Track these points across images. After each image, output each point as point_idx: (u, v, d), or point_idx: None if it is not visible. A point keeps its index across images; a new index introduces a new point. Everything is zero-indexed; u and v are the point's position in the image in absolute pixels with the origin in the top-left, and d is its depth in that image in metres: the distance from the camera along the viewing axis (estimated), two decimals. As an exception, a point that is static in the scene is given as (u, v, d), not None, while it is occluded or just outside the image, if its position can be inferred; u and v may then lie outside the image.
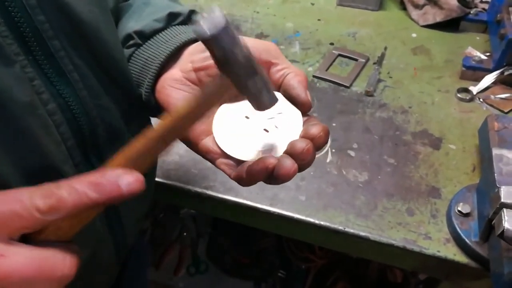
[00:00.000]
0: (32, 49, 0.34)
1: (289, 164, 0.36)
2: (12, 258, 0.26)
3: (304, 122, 0.40)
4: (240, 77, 0.34)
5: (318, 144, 0.38)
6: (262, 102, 0.36)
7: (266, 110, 0.37)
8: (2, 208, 0.26)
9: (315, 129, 0.38)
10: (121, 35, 0.47)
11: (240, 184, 0.39)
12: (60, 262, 0.28)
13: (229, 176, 0.40)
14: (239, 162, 0.39)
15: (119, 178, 0.28)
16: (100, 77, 0.40)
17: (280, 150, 0.38)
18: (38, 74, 0.34)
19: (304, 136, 0.38)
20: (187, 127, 0.34)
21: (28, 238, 0.28)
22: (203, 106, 0.34)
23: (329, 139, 0.74)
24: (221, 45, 0.31)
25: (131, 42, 0.47)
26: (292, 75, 0.41)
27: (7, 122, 0.32)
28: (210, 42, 0.32)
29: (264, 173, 0.36)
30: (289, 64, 0.42)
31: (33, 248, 0.27)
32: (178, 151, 0.73)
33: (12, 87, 0.31)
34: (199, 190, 0.68)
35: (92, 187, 0.28)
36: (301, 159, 0.36)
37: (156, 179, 0.69)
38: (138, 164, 0.32)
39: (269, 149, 0.39)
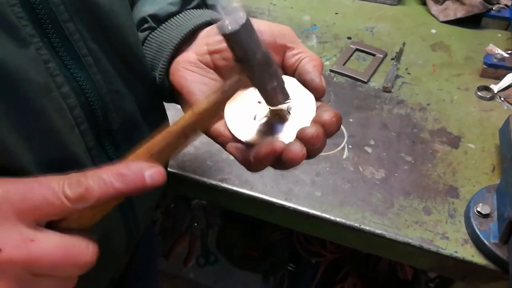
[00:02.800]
0: (47, 31, 0.34)
1: (298, 148, 0.35)
2: (42, 243, 0.27)
3: (317, 108, 0.39)
4: (258, 74, 0.34)
5: (329, 131, 0.37)
6: (275, 99, 0.37)
7: None
8: (34, 194, 0.27)
9: (327, 115, 0.37)
10: (136, 18, 0.47)
11: (248, 169, 0.39)
12: (84, 249, 0.28)
13: (238, 159, 0.40)
14: (250, 148, 0.39)
15: (143, 170, 0.29)
16: (115, 62, 0.40)
17: (292, 136, 0.38)
18: (53, 56, 0.34)
19: (316, 121, 0.38)
20: (206, 122, 0.35)
21: (51, 225, 0.29)
22: (222, 103, 0.35)
23: (345, 135, 0.74)
24: (241, 41, 0.32)
25: (146, 25, 0.46)
26: (308, 59, 0.41)
27: (22, 103, 0.32)
28: (231, 38, 0.32)
29: (271, 156, 0.36)
30: (305, 49, 0.42)
31: (60, 234, 0.28)
32: (194, 142, 0.73)
33: (27, 69, 0.31)
34: (214, 182, 0.68)
35: (118, 178, 0.28)
36: (311, 144, 0.36)
37: (171, 170, 0.69)
38: (159, 157, 0.32)
39: (281, 134, 0.39)
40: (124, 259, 0.54)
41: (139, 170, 0.29)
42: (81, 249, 0.28)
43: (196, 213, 1.42)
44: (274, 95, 0.36)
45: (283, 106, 0.40)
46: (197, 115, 0.34)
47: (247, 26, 0.32)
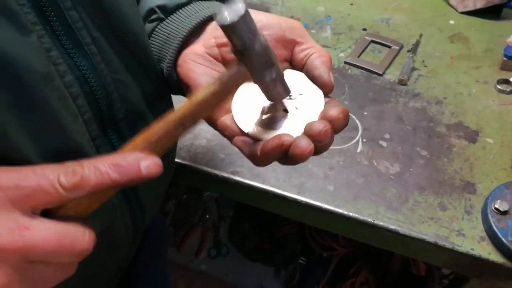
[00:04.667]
0: (50, 19, 0.34)
1: (305, 144, 0.35)
2: (36, 231, 0.27)
3: (325, 104, 0.39)
4: (256, 66, 0.35)
5: (337, 127, 0.37)
6: (274, 91, 0.37)
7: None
8: (29, 182, 0.27)
9: (334, 111, 0.37)
10: (144, 9, 0.46)
11: (255, 163, 0.39)
12: (80, 236, 0.29)
13: (244, 153, 0.39)
14: (256, 142, 0.39)
15: (139, 161, 0.29)
16: (119, 51, 0.40)
17: (298, 131, 0.37)
18: (55, 45, 0.34)
19: (323, 117, 0.37)
20: (205, 113, 0.35)
21: (48, 213, 0.29)
22: (221, 93, 0.35)
23: (360, 128, 0.73)
24: (240, 33, 0.33)
25: (154, 16, 0.46)
26: (316, 55, 0.40)
27: (23, 93, 0.31)
28: (229, 29, 0.33)
29: (278, 151, 0.36)
30: (314, 44, 0.41)
31: (55, 222, 0.28)
32: (205, 135, 0.73)
33: (28, 57, 0.31)
34: (225, 175, 0.67)
35: (114, 168, 0.29)
36: (318, 140, 0.35)
37: (183, 162, 0.69)
38: (157, 147, 0.33)
39: (288, 129, 0.38)
40: (131, 248, 0.54)
41: (135, 160, 0.29)
42: (77, 236, 0.28)
43: (208, 204, 1.42)
44: (273, 86, 0.36)
45: (289, 102, 0.40)
46: (195, 105, 0.34)
47: (245, 17, 0.32)
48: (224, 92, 0.35)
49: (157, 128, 0.33)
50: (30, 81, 0.31)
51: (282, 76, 0.37)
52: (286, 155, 0.36)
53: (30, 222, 0.27)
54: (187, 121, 0.34)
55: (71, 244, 0.28)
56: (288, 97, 0.40)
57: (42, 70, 0.32)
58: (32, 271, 0.27)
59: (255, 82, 0.37)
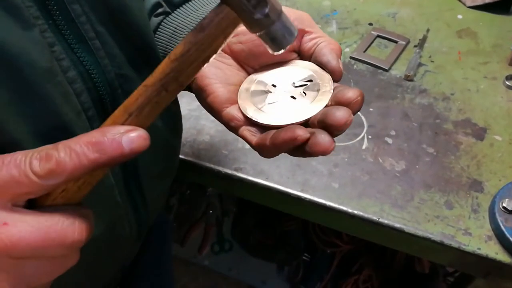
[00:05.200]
0: (52, 13, 0.33)
1: (327, 140, 0.33)
2: (17, 226, 0.25)
3: (334, 89, 0.38)
4: (242, 2, 0.28)
5: (353, 110, 0.35)
6: (277, 38, 0.31)
7: (292, 80, 0.35)
8: (0, 173, 0.25)
9: (352, 93, 0.35)
10: (150, 3, 0.45)
11: (261, 154, 0.37)
12: (69, 227, 0.26)
13: (251, 143, 0.38)
14: (263, 131, 0.38)
15: (121, 135, 0.26)
16: (123, 45, 0.39)
17: (308, 114, 0.36)
18: (58, 39, 0.33)
19: (340, 100, 0.35)
20: (189, 70, 0.30)
21: (35, 203, 0.27)
22: (204, 44, 0.29)
23: (365, 125, 0.72)
24: None
25: (160, 10, 0.45)
26: (325, 43, 0.40)
27: (25, 88, 0.30)
28: None
29: (290, 144, 0.33)
30: (323, 33, 0.41)
31: (39, 214, 0.26)
32: (209, 131, 0.72)
33: (30, 52, 0.30)
34: (229, 171, 0.67)
35: (92, 147, 0.26)
36: (340, 130, 0.33)
37: (186, 158, 0.68)
38: (139, 117, 0.29)
39: (297, 115, 0.37)
40: (135, 246, 0.53)
41: (115, 135, 0.26)
42: (64, 228, 0.26)
43: (212, 200, 1.42)
44: (270, 26, 0.30)
45: (297, 88, 0.39)
46: (175, 62, 0.29)
47: None
48: (207, 40, 0.29)
49: (136, 95, 0.29)
50: (33, 77, 0.31)
51: (280, 12, 0.30)
52: (300, 148, 0.34)
53: (10, 216, 0.25)
54: (170, 83, 0.29)
55: (59, 236, 0.26)
56: (294, 85, 0.39)
57: (45, 65, 0.31)
58: (22, 268, 0.26)
59: (247, 27, 0.30)
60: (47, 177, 0.25)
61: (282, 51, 0.32)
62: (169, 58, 0.29)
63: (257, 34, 0.31)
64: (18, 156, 0.26)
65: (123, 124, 0.28)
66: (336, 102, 0.36)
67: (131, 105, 0.29)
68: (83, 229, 0.27)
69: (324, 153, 0.33)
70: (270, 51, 0.32)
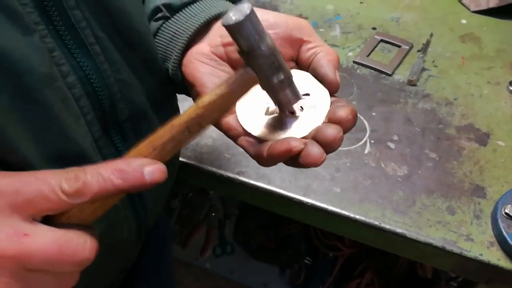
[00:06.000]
0: (53, 19, 0.33)
1: (318, 153, 0.34)
2: (36, 238, 0.26)
3: (332, 103, 0.38)
4: (263, 68, 0.34)
5: (346, 128, 0.36)
6: (282, 98, 0.36)
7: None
8: (29, 188, 0.27)
9: (343, 112, 0.36)
10: (149, 7, 0.46)
11: (260, 163, 0.38)
12: (81, 245, 0.28)
13: (249, 153, 0.39)
14: (261, 142, 0.38)
15: (143, 167, 0.29)
16: (123, 51, 0.39)
17: (305, 132, 0.37)
18: (58, 45, 0.33)
19: (332, 118, 0.36)
20: (211, 117, 0.34)
21: (49, 220, 0.28)
22: (228, 97, 0.34)
23: (367, 129, 0.72)
24: (245, 33, 0.32)
25: (159, 15, 0.45)
26: (323, 54, 0.39)
27: (25, 94, 0.31)
28: (234, 30, 0.32)
29: (286, 155, 0.35)
30: (322, 43, 0.40)
31: (56, 229, 0.27)
32: (211, 134, 0.72)
33: (30, 57, 0.30)
34: (231, 175, 0.67)
35: (117, 174, 0.28)
36: (331, 146, 0.34)
37: (188, 161, 0.68)
38: (162, 152, 0.32)
39: (294, 130, 0.37)
40: (135, 249, 0.53)
41: (138, 166, 0.28)
42: (78, 245, 0.27)
43: (214, 202, 1.42)
44: (281, 90, 0.35)
45: (297, 103, 0.39)
46: (201, 109, 0.33)
47: (251, 17, 0.31)
48: (231, 95, 0.34)
49: (162, 132, 0.32)
50: (32, 83, 0.31)
51: (291, 79, 0.36)
52: (295, 160, 0.35)
53: (30, 228, 0.26)
54: (193, 126, 0.33)
55: (72, 252, 0.27)
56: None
57: (44, 70, 0.31)
58: (31, 281, 0.27)
59: (262, 86, 0.36)
60: (73, 196, 0.27)
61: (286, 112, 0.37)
62: (197, 105, 0.33)
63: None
64: (49, 174, 0.27)
65: (146, 156, 0.31)
66: (328, 119, 0.37)
67: (156, 141, 0.32)
68: (92, 249, 0.28)
69: (315, 164, 0.34)
70: (275, 105, 0.37)
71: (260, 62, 0.33)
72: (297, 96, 0.36)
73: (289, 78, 0.35)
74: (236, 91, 0.34)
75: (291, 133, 0.37)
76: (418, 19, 0.93)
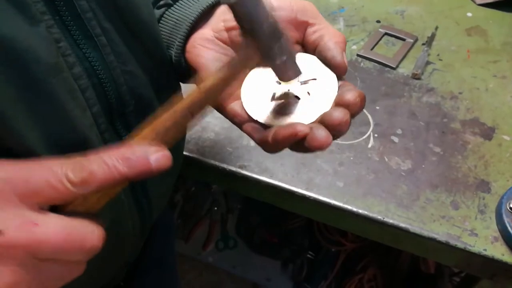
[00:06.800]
0: (59, 9, 0.33)
1: (324, 136, 0.33)
2: (44, 227, 0.26)
3: (339, 87, 0.37)
4: (265, 46, 0.33)
5: (353, 112, 0.35)
6: (285, 73, 0.35)
7: (294, 79, 0.36)
8: (36, 177, 0.26)
9: (351, 95, 0.35)
10: None
11: (265, 150, 0.38)
12: (89, 232, 0.28)
13: (254, 139, 0.38)
14: (267, 128, 0.38)
15: (148, 154, 0.28)
16: (129, 42, 0.39)
17: (312, 117, 0.36)
18: (65, 35, 0.33)
19: (339, 102, 0.35)
20: (214, 98, 0.34)
21: (56, 209, 0.28)
22: (230, 78, 0.34)
23: (371, 123, 0.71)
24: (246, 11, 0.31)
25: (162, 2, 0.45)
26: (329, 36, 0.38)
27: (30, 84, 0.30)
28: (235, 8, 0.31)
29: (291, 139, 0.34)
30: (327, 25, 0.39)
31: (64, 217, 0.27)
32: (214, 128, 0.72)
33: (36, 48, 0.30)
34: (233, 169, 0.66)
35: (122, 162, 0.28)
36: (337, 130, 0.34)
37: (191, 155, 0.68)
38: (166, 138, 0.32)
39: (300, 115, 0.37)
40: (139, 243, 0.53)
41: (144, 153, 0.28)
42: (86, 233, 0.27)
43: (217, 197, 1.42)
44: (284, 69, 0.35)
45: (301, 87, 0.38)
46: (204, 93, 0.33)
47: None
48: (231, 76, 0.34)
49: (166, 117, 0.32)
50: (39, 73, 0.31)
51: (294, 56, 0.35)
52: (301, 144, 0.34)
53: (38, 217, 0.26)
54: (196, 109, 0.33)
55: (80, 240, 0.27)
56: (299, 81, 0.38)
57: (50, 61, 0.31)
58: (40, 270, 0.26)
59: (264, 62, 0.35)
60: (79, 185, 0.27)
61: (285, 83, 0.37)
62: (199, 89, 0.33)
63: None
64: (55, 164, 0.27)
65: (150, 142, 0.31)
66: (336, 103, 0.36)
67: (159, 126, 0.32)
68: (100, 237, 0.28)
69: (320, 148, 0.33)
70: (278, 78, 0.36)
71: (263, 42, 0.33)
72: (298, 73, 0.36)
73: (292, 58, 0.35)
74: (237, 70, 0.34)
75: (298, 119, 0.36)
76: (423, 12, 0.92)
